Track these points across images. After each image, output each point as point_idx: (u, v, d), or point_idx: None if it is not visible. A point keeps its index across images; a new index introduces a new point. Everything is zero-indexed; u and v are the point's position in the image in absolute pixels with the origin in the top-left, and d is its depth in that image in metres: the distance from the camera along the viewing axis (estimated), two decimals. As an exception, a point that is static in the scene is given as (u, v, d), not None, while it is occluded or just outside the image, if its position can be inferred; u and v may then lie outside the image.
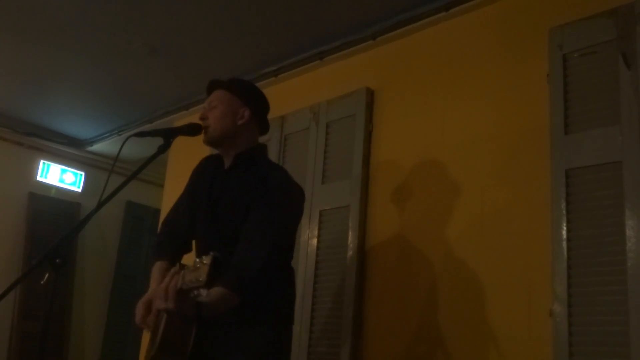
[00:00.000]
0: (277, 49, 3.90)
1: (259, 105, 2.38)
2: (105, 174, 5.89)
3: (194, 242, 2.40)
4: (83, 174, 6.09)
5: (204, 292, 1.75)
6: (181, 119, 4.76)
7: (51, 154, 5.93)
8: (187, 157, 4.41)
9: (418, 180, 3.15)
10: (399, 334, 3.00)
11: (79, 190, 6.07)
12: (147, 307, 2.11)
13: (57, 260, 1.79)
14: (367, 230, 3.27)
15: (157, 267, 2.27)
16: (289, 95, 4.01)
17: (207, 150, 2.52)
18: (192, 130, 2.24)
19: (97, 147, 5.90)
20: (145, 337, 4.57)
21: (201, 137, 2.29)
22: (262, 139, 2.45)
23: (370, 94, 3.48)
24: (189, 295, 1.81)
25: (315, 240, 3.44)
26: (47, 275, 1.80)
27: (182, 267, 1.90)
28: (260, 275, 2.03)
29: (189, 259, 2.11)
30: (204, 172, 2.41)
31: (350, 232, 3.28)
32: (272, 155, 3.75)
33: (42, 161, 5.89)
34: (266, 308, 2.15)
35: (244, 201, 2.17)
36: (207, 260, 1.69)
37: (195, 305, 1.86)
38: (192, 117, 4.43)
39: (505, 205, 2.77)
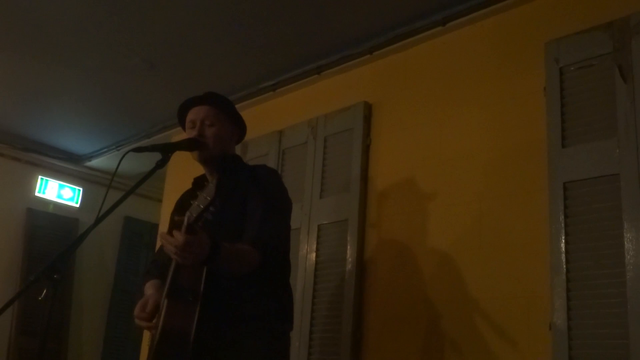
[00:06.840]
0: (275, 63, 3.91)
1: (243, 125, 2.44)
2: (103, 190, 5.78)
3: None
4: (81, 189, 6.09)
5: (214, 206, 1.80)
6: (179, 134, 4.73)
7: (49, 169, 5.93)
8: (185, 172, 4.39)
9: (416, 194, 3.15)
10: (398, 348, 2.99)
11: (77, 205, 6.07)
12: (143, 306, 2.14)
13: (55, 276, 1.78)
14: (365, 244, 3.27)
15: (150, 284, 2.30)
16: (286, 110, 4.02)
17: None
18: (190, 145, 2.26)
19: (95, 163, 5.89)
20: (144, 351, 4.54)
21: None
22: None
23: (368, 108, 3.49)
24: (197, 230, 1.82)
25: (313, 255, 3.43)
26: (45, 291, 1.79)
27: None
28: (274, 239, 2.10)
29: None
30: (184, 196, 2.43)
31: (348, 247, 3.27)
32: (271, 169, 3.75)
33: (40, 177, 5.88)
34: (268, 308, 2.15)
35: (239, 198, 2.20)
36: (212, 182, 1.80)
37: (209, 245, 1.85)
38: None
39: (503, 219, 2.77)
